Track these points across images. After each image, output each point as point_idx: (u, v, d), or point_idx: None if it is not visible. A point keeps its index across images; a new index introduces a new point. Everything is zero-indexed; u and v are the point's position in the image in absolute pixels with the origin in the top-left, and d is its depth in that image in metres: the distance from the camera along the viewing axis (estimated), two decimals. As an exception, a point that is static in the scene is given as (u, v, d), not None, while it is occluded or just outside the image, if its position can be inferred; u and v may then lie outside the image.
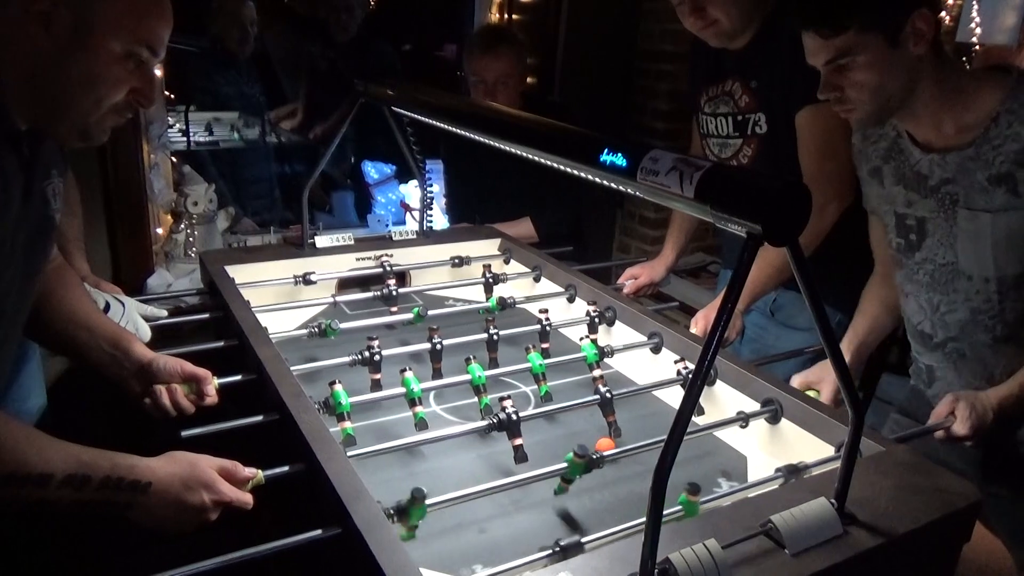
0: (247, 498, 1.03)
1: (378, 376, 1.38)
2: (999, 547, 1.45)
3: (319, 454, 1.02)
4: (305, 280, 1.76)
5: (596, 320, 1.64)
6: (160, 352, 1.30)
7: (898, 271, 1.50)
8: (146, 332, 1.51)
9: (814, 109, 1.63)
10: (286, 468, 1.06)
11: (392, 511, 0.97)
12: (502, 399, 1.20)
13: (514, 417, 1.17)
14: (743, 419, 1.27)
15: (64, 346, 1.27)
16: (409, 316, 1.64)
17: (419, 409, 1.26)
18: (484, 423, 1.18)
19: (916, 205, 1.39)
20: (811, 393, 1.42)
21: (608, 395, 1.29)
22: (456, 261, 1.95)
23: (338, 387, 1.23)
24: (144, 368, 1.25)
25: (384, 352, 1.39)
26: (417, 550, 1.01)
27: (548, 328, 1.58)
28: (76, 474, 0.92)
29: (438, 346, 1.44)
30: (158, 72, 2.36)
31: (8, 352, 1.19)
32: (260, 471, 1.05)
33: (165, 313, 1.59)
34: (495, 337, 1.51)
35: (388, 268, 1.84)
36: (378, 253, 1.92)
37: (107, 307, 1.46)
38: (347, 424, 1.21)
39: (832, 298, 1.83)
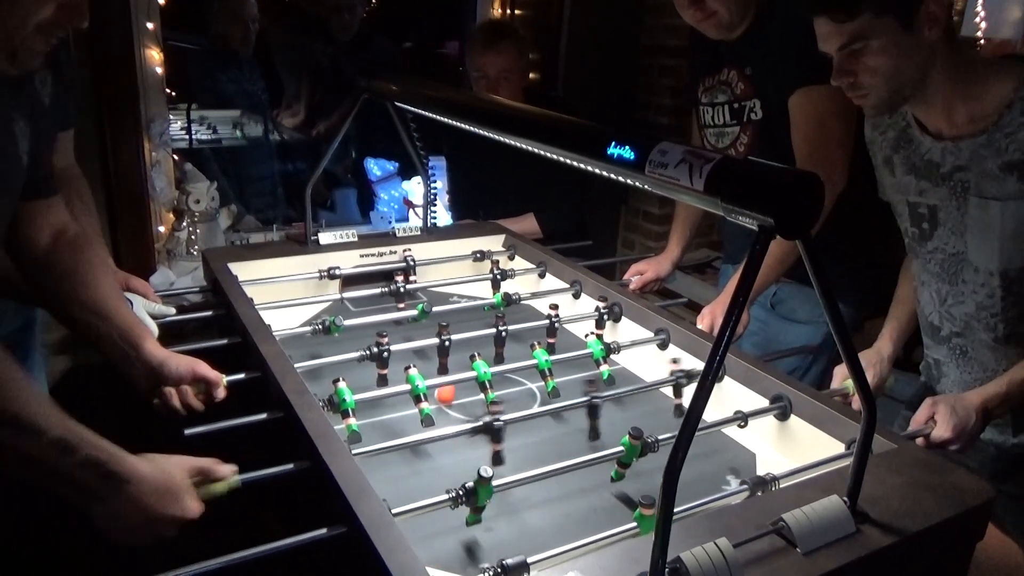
0: (198, 510, 0.99)
1: (385, 371, 1.37)
2: (1012, 545, 1.43)
3: (324, 452, 1.01)
4: (330, 275, 1.77)
5: (604, 316, 1.62)
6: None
7: (914, 260, 1.49)
8: (154, 331, 1.49)
9: (806, 92, 1.63)
10: (290, 466, 1.05)
11: (460, 493, 0.98)
12: (493, 403, 1.20)
13: (498, 424, 1.17)
14: (743, 417, 1.25)
15: (80, 330, 1.23)
16: (414, 312, 1.63)
17: (424, 405, 1.25)
18: (482, 422, 1.17)
19: (928, 193, 1.37)
20: (848, 383, 1.41)
21: (595, 401, 1.28)
22: (478, 255, 1.96)
23: (342, 384, 1.22)
24: (155, 369, 1.23)
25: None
26: (423, 549, 0.99)
27: (557, 324, 1.57)
28: (65, 439, 0.90)
29: (447, 342, 1.43)
30: (159, 68, 2.35)
31: None
32: (237, 474, 1.02)
33: (174, 311, 1.58)
34: (503, 333, 1.50)
35: (412, 263, 1.85)
36: (384, 249, 1.91)
37: None
38: (351, 421, 1.20)
39: (836, 290, 1.82)
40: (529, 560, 0.87)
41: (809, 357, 1.88)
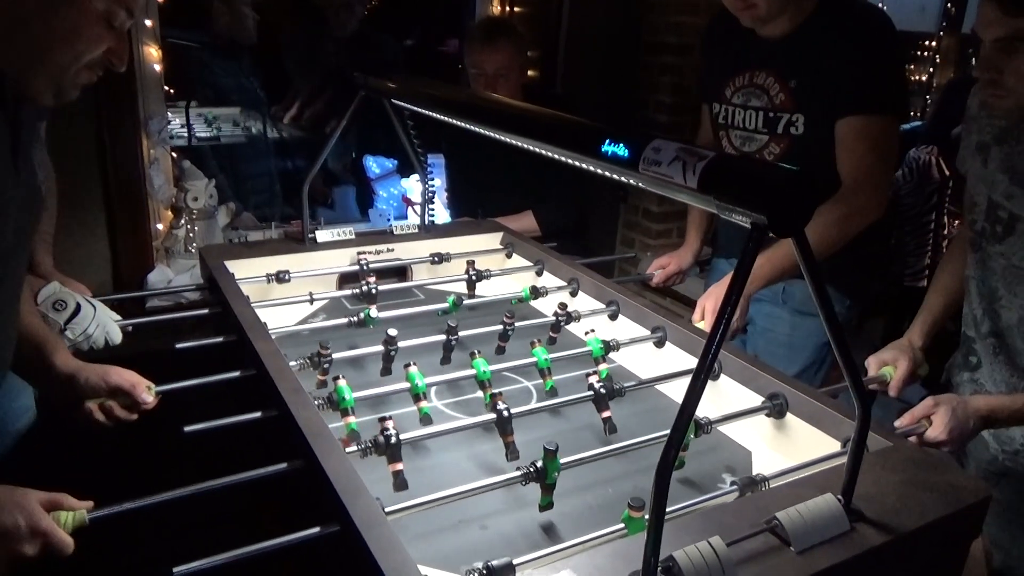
0: (67, 539, 0.92)
1: (325, 378, 1.36)
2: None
3: (317, 451, 1.01)
4: (279, 279, 1.70)
5: (560, 321, 1.59)
6: (159, 348, 1.28)
7: (972, 252, 1.44)
8: (117, 334, 1.47)
9: (861, 119, 1.63)
10: (284, 465, 1.05)
11: (532, 470, 1.00)
12: (493, 396, 1.19)
13: (505, 414, 1.16)
14: (748, 413, 1.25)
15: None
16: (445, 305, 1.63)
17: (424, 404, 1.25)
18: (485, 418, 1.17)
19: (1016, 200, 1.30)
20: (886, 370, 1.42)
21: (602, 391, 1.26)
22: (436, 259, 1.90)
23: (342, 382, 1.21)
24: (65, 382, 1.19)
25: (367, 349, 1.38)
26: (417, 547, 0.99)
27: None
28: None
29: (392, 352, 1.38)
30: (158, 65, 2.35)
31: (6, 339, 1.14)
32: (85, 510, 0.94)
33: (118, 316, 1.55)
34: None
35: (365, 267, 1.80)
36: (381, 247, 1.90)
37: (77, 309, 1.43)
38: (351, 419, 1.19)
39: (841, 284, 1.83)
40: (522, 559, 0.87)
41: (825, 349, 1.88)
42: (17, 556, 0.89)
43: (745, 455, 1.29)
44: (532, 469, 1.02)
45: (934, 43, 4.55)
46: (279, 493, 1.18)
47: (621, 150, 0.91)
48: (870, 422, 0.91)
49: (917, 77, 4.57)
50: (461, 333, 1.48)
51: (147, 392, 1.23)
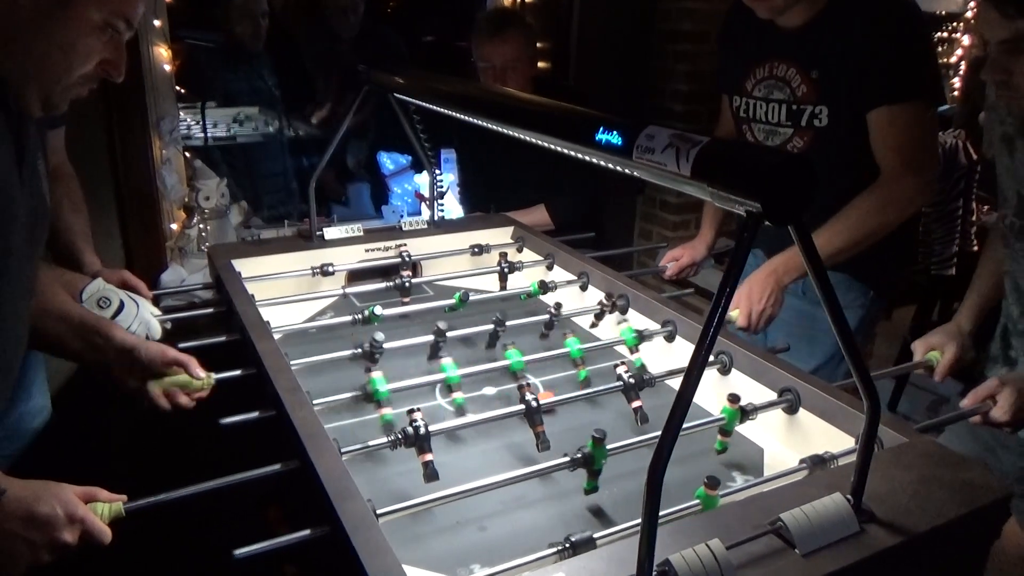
0: (104, 528, 0.94)
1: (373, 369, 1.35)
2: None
3: (311, 451, 0.99)
4: (323, 272, 1.74)
5: (605, 311, 1.58)
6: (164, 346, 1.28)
7: (1005, 247, 1.40)
8: (157, 330, 1.49)
9: (893, 108, 1.58)
10: (278, 466, 1.03)
11: (579, 456, 1.02)
12: (521, 387, 1.18)
13: (534, 404, 1.15)
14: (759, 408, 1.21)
15: (37, 339, 1.21)
16: (451, 301, 1.61)
17: (458, 395, 1.27)
18: (514, 409, 1.17)
19: None
20: (933, 355, 1.40)
21: (631, 381, 1.26)
22: (476, 250, 1.92)
23: (376, 374, 1.21)
24: (126, 354, 1.22)
25: (396, 343, 1.37)
26: (411, 549, 0.97)
27: (556, 320, 1.55)
28: None
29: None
30: (168, 65, 2.35)
31: (15, 346, 1.15)
32: (121, 502, 0.96)
33: (158, 312, 1.57)
34: (500, 331, 1.48)
35: (407, 259, 1.81)
36: (390, 243, 1.89)
37: (121, 307, 1.44)
38: (386, 411, 1.20)
39: (863, 275, 1.77)
40: (519, 561, 0.85)
41: (835, 346, 1.83)
42: (57, 544, 0.91)
43: (757, 452, 1.25)
44: (580, 455, 1.03)
45: (960, 23, 4.43)
46: (287, 492, 1.17)
47: (615, 138, 0.88)
48: (880, 417, 0.87)
49: (944, 59, 4.45)
50: (467, 330, 1.47)
51: (200, 368, 1.26)
